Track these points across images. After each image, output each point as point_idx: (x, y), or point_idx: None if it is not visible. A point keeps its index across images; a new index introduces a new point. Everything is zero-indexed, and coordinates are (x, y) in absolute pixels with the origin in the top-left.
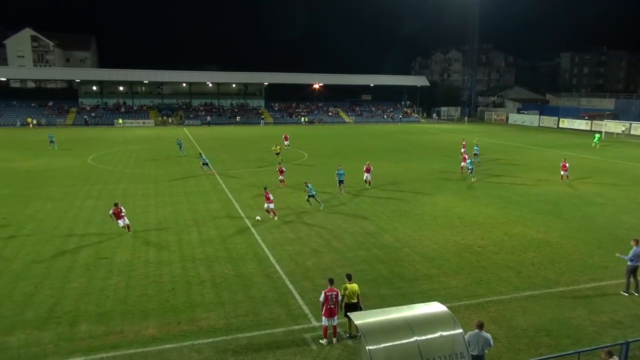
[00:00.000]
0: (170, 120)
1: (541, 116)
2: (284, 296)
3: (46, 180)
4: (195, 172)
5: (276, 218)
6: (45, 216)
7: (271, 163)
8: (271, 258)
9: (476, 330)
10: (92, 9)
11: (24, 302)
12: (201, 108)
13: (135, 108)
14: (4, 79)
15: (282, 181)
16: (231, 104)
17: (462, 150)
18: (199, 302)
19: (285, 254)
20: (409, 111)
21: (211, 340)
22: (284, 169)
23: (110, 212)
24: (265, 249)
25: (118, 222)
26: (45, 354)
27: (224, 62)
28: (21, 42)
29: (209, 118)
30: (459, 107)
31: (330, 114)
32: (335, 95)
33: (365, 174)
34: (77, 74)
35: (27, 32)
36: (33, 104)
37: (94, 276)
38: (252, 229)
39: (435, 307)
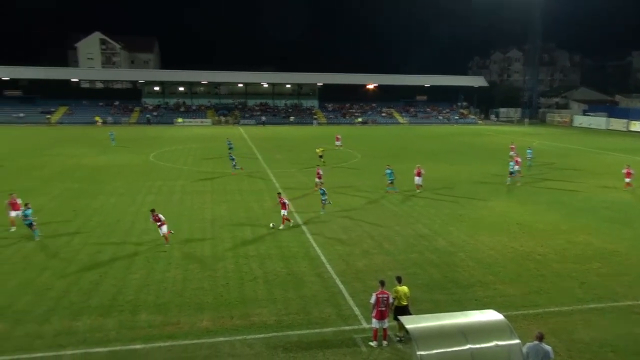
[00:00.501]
0: (224, 120)
1: (609, 118)
2: (334, 296)
3: (111, 176)
4: (249, 171)
5: (282, 227)
6: (110, 210)
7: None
8: (322, 257)
9: (536, 342)
10: (156, 12)
11: (90, 290)
12: (256, 108)
13: (194, 108)
14: (76, 80)
15: (317, 184)
16: (285, 104)
17: (512, 153)
18: (251, 297)
19: (336, 254)
20: (465, 112)
21: (262, 335)
22: (321, 172)
23: (151, 220)
24: (317, 248)
25: (160, 229)
26: (108, 340)
27: (279, 62)
28: (91, 45)
29: (263, 118)
30: (519, 109)
31: (383, 114)
32: (389, 96)
33: (416, 178)
34: (141, 75)
35: (97, 36)
36: (101, 104)
37: (153, 268)
38: (304, 228)
39: (490, 315)
